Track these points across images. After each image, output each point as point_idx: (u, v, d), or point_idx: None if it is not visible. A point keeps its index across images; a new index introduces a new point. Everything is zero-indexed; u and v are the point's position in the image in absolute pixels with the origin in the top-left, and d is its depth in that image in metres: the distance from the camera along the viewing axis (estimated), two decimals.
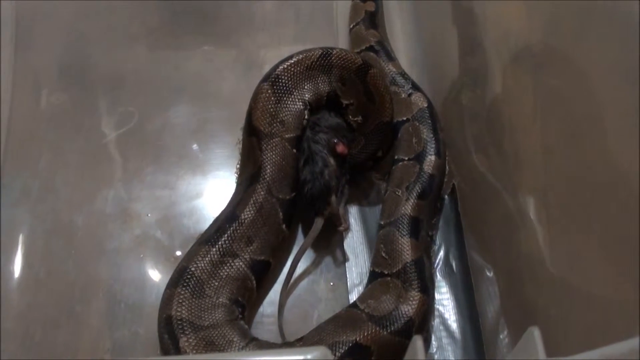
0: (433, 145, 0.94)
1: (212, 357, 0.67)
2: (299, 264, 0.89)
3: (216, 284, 0.81)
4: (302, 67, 0.93)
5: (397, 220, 0.88)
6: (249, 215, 0.86)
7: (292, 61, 0.94)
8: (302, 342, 0.80)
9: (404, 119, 0.98)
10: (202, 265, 0.82)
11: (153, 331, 0.81)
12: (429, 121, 0.96)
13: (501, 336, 0.81)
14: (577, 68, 0.64)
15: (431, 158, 0.93)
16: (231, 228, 0.85)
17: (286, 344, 0.81)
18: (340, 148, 0.90)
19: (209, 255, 0.82)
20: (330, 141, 0.91)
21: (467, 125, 0.94)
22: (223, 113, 1.06)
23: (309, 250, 0.91)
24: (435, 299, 0.89)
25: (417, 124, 0.96)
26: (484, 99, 0.86)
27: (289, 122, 0.92)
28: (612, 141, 0.58)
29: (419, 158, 0.94)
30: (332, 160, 0.89)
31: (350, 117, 0.95)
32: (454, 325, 0.88)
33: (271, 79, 0.93)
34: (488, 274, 0.86)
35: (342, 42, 1.12)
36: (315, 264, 0.93)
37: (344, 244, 0.94)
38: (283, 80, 0.93)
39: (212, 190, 0.99)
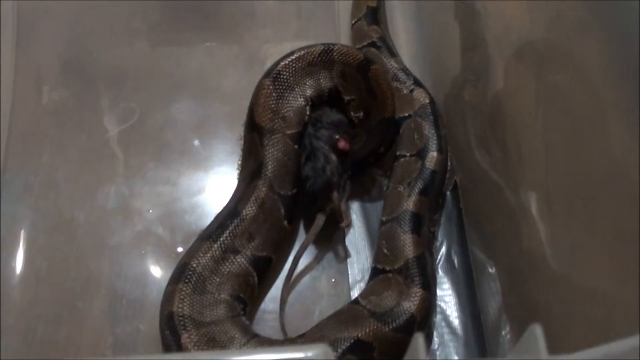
0: (435, 142, 0.94)
1: (213, 354, 0.67)
2: (301, 260, 0.89)
3: (218, 280, 0.81)
4: (303, 63, 0.93)
5: (399, 216, 0.88)
6: (251, 212, 0.86)
7: (294, 57, 0.93)
8: (303, 339, 0.80)
9: (406, 115, 0.98)
10: (204, 261, 0.82)
11: (154, 327, 0.81)
12: (431, 117, 0.96)
13: (503, 332, 0.81)
14: (579, 64, 0.63)
15: (433, 154, 0.93)
16: (233, 224, 0.85)
17: (288, 341, 0.81)
18: (342, 144, 0.90)
19: (210, 252, 0.82)
20: (332, 137, 0.90)
21: (469, 121, 0.93)
22: (225, 109, 1.06)
23: (310, 247, 0.91)
24: (437, 295, 0.89)
25: (419, 120, 0.96)
26: (486, 95, 0.86)
27: (290, 118, 0.91)
28: (614, 137, 0.58)
29: (421, 154, 0.93)
30: (333, 157, 0.89)
31: (352, 113, 0.95)
32: (455, 321, 0.88)
33: (273, 75, 0.92)
34: (490, 270, 0.86)
35: (344, 38, 1.12)
36: (316, 260, 0.93)
37: (346, 240, 0.94)
38: (284, 76, 0.92)
39: (214, 187, 0.99)
